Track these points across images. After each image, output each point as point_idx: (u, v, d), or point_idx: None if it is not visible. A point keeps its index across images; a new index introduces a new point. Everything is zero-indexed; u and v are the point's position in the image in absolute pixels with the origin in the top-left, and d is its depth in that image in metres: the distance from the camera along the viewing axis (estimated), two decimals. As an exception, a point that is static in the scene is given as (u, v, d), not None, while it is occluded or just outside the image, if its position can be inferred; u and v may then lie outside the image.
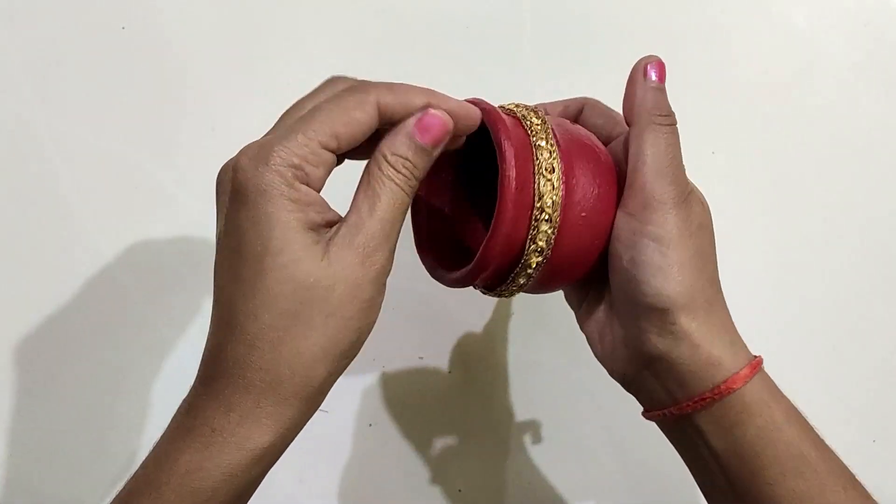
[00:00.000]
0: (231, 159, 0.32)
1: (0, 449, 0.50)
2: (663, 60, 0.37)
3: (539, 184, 0.34)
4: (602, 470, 0.53)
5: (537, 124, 0.35)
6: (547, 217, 0.34)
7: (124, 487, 0.31)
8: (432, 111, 0.32)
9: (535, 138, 0.35)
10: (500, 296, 0.38)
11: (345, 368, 0.32)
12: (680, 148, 0.36)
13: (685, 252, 0.34)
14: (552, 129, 0.35)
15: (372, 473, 0.52)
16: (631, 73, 0.37)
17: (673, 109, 0.37)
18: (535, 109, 0.36)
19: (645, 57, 0.37)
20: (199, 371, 0.32)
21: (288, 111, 0.33)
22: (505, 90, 0.53)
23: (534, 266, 0.35)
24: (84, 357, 0.51)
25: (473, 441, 0.53)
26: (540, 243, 0.34)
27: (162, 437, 0.32)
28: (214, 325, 0.31)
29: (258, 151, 0.30)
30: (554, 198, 0.34)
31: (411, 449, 0.53)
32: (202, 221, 0.52)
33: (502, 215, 0.33)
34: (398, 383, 0.52)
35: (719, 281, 0.36)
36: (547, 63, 0.54)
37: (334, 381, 0.32)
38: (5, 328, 0.51)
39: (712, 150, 0.54)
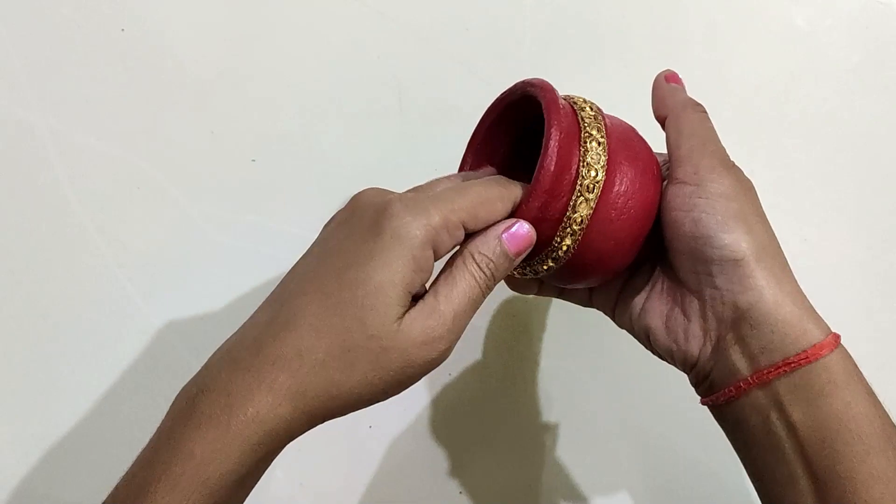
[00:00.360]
0: (376, 190, 0.35)
1: (1, 451, 0.50)
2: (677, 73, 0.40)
3: (585, 161, 0.35)
4: (604, 472, 0.53)
5: (591, 115, 0.36)
6: (586, 199, 0.35)
7: (136, 468, 0.32)
8: (524, 224, 0.34)
9: (586, 128, 0.35)
10: (525, 275, 0.38)
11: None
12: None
13: (747, 206, 0.35)
14: (605, 123, 0.36)
15: (371, 476, 0.52)
16: (654, 81, 0.40)
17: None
18: (590, 103, 0.37)
19: (662, 71, 0.40)
20: (226, 351, 0.33)
21: (442, 180, 0.37)
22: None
23: (565, 249, 0.35)
24: (84, 358, 0.51)
25: (474, 443, 0.53)
26: (576, 220, 0.35)
27: (173, 415, 0.32)
28: (269, 317, 0.33)
29: (412, 203, 0.32)
30: (597, 179, 0.35)
31: (411, 452, 0.52)
32: (201, 223, 0.52)
33: (542, 177, 0.34)
34: (398, 385, 0.52)
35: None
36: (548, 65, 0.54)
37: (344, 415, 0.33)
38: (6, 328, 0.50)
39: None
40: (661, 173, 0.38)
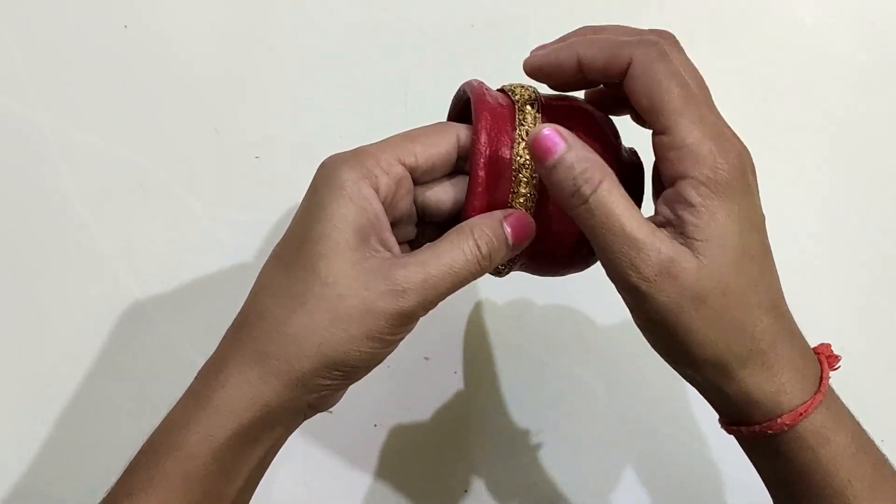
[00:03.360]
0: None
1: (3, 451, 0.50)
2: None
3: (518, 148, 0.33)
4: (610, 469, 0.53)
5: (525, 94, 0.35)
6: (524, 180, 0.33)
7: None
8: (526, 214, 0.33)
9: (519, 104, 0.34)
10: (498, 274, 0.37)
11: (338, 383, 0.32)
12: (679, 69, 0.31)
13: (708, 322, 0.30)
14: (539, 98, 0.35)
15: (377, 474, 0.52)
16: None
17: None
18: (527, 87, 0.36)
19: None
20: None
21: None
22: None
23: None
24: (87, 357, 0.51)
25: (479, 441, 0.53)
26: (520, 202, 0.33)
27: None
28: (249, 293, 0.33)
29: (342, 154, 0.32)
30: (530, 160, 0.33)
31: (416, 450, 0.52)
32: (204, 221, 0.51)
33: (474, 182, 0.33)
34: (404, 384, 0.52)
35: (776, 317, 0.31)
36: (552, 61, 0.53)
37: (323, 386, 0.32)
38: (9, 330, 0.50)
39: (719, 148, 0.54)
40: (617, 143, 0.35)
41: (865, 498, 0.31)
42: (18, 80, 0.51)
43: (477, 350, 0.53)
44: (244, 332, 0.31)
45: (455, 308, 0.53)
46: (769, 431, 0.31)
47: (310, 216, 0.31)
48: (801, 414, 0.31)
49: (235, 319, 0.33)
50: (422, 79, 0.52)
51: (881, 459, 0.33)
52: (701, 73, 0.33)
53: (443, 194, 0.35)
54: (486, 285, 0.53)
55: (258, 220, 0.51)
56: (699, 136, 0.30)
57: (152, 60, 0.52)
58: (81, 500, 0.50)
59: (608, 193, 0.30)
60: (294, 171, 0.52)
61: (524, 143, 0.33)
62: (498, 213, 0.33)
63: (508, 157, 0.33)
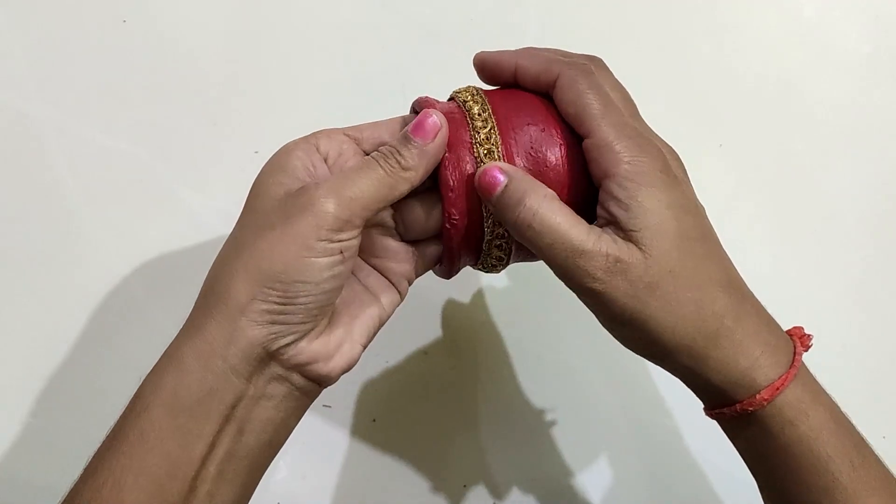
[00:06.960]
0: None
1: (2, 451, 0.50)
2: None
3: (479, 155, 0.34)
4: (610, 463, 0.53)
5: (467, 95, 0.36)
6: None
7: None
8: (429, 112, 0.33)
9: (469, 114, 0.35)
10: (490, 270, 0.38)
11: (278, 307, 0.31)
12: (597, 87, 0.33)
13: (666, 306, 0.31)
14: (487, 101, 0.35)
15: (375, 469, 0.52)
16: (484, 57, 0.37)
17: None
18: (476, 90, 0.36)
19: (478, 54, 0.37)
20: None
21: None
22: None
23: (501, 236, 0.35)
24: (87, 356, 0.51)
25: (478, 436, 0.53)
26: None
27: None
28: None
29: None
30: (491, 150, 0.34)
31: (415, 445, 0.52)
32: (204, 215, 0.51)
33: (447, 198, 0.34)
34: (402, 378, 0.52)
35: (735, 294, 0.33)
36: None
37: (262, 311, 0.31)
38: (10, 328, 0.50)
39: (720, 142, 0.54)
40: (565, 128, 0.35)
41: (847, 475, 0.31)
42: (17, 74, 0.51)
43: (475, 345, 0.53)
44: (205, 287, 0.33)
45: (453, 303, 0.53)
46: (749, 409, 0.32)
47: (265, 174, 0.33)
48: (777, 388, 0.31)
49: None
50: (419, 73, 0.52)
51: (861, 438, 0.33)
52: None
53: (418, 212, 0.36)
54: (484, 281, 0.53)
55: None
56: (617, 135, 0.32)
57: (151, 54, 0.52)
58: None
59: (550, 213, 0.32)
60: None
61: (484, 146, 0.34)
62: (407, 126, 0.34)
63: (471, 161, 0.34)
